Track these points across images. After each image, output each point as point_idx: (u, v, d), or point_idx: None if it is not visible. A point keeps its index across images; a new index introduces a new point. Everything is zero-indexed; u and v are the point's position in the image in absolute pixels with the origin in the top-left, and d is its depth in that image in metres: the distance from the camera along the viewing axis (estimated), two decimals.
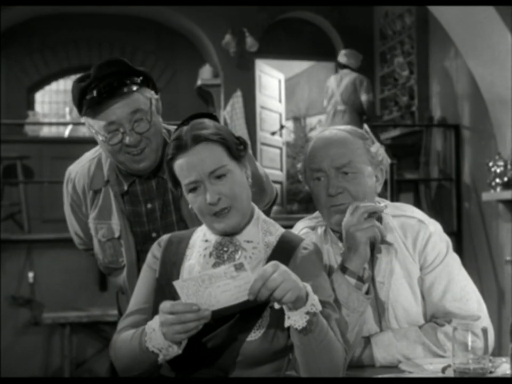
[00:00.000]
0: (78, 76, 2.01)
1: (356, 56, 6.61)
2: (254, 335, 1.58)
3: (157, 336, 1.50)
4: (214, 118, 1.72)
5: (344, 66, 6.59)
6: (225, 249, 1.66)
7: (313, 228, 1.94)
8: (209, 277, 1.43)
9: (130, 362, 1.60)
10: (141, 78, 1.98)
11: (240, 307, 1.49)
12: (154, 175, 2.08)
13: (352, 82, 6.44)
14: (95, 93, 1.90)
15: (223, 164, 1.63)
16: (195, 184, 1.63)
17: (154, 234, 2.10)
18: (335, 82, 6.60)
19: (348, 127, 1.91)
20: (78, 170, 2.19)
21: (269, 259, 1.61)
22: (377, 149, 1.87)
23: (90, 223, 2.18)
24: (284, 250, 1.65)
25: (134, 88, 1.94)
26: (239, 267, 1.42)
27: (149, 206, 2.10)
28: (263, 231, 1.70)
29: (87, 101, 1.92)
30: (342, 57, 6.60)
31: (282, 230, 1.74)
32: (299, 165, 1.93)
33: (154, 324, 1.52)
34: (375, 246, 1.84)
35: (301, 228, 1.96)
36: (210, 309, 1.45)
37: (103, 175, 2.13)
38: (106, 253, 2.16)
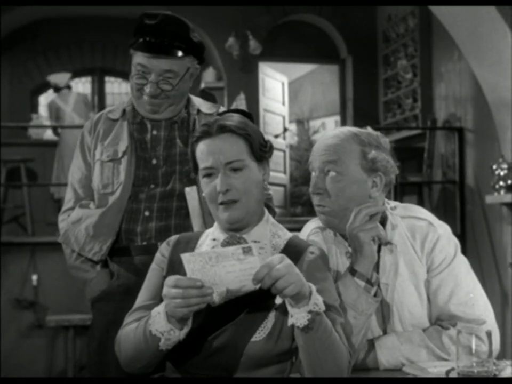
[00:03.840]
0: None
1: None
2: (259, 336, 1.59)
3: (161, 319, 1.52)
4: (249, 116, 1.77)
5: None
6: None
7: (323, 228, 1.94)
8: (217, 255, 1.45)
9: (134, 353, 1.61)
10: (191, 46, 2.20)
11: (248, 292, 1.49)
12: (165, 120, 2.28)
13: None
14: (150, 39, 2.15)
15: (241, 158, 1.67)
16: (210, 171, 1.68)
17: (154, 161, 2.24)
18: None
19: (353, 129, 1.88)
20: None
21: None
22: (376, 156, 1.83)
23: (97, 151, 2.30)
24: (291, 254, 1.65)
25: (180, 53, 2.17)
26: (247, 250, 1.44)
27: (154, 132, 2.26)
28: (271, 233, 1.73)
29: (141, 40, 2.16)
30: None
31: (290, 235, 1.76)
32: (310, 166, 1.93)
33: (160, 307, 1.54)
34: (380, 247, 1.84)
35: (311, 228, 1.97)
36: (213, 287, 1.46)
37: (122, 108, 2.33)
38: (103, 175, 2.26)
